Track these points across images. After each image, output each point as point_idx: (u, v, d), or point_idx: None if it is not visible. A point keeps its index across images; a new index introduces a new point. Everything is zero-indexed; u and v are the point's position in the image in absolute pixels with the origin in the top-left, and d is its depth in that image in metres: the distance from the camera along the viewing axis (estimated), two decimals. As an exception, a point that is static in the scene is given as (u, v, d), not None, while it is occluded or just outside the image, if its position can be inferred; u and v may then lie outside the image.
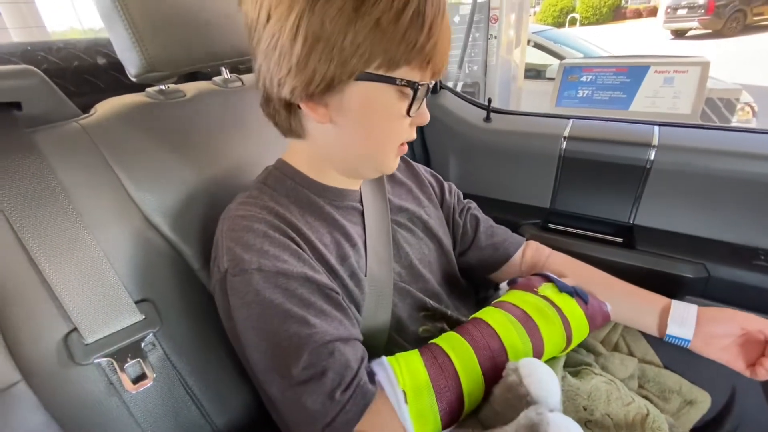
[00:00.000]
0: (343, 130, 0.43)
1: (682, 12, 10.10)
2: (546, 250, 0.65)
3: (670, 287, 0.61)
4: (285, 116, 0.44)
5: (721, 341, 0.51)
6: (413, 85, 0.39)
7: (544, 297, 0.49)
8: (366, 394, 0.38)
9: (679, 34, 10.72)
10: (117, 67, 0.66)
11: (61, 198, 0.41)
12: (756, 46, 7.85)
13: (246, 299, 0.39)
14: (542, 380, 0.35)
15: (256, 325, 0.38)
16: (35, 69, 0.44)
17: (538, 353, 0.45)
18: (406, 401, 0.37)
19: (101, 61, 0.64)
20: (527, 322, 0.46)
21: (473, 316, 0.48)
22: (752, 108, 2.48)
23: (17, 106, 0.42)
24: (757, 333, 0.49)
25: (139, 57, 0.47)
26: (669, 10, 10.46)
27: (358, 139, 0.44)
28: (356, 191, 0.52)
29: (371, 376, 0.40)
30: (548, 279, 0.52)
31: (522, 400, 0.35)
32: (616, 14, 18.47)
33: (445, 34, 0.39)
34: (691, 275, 0.68)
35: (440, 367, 0.41)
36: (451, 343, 0.43)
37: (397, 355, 0.42)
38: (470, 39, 2.27)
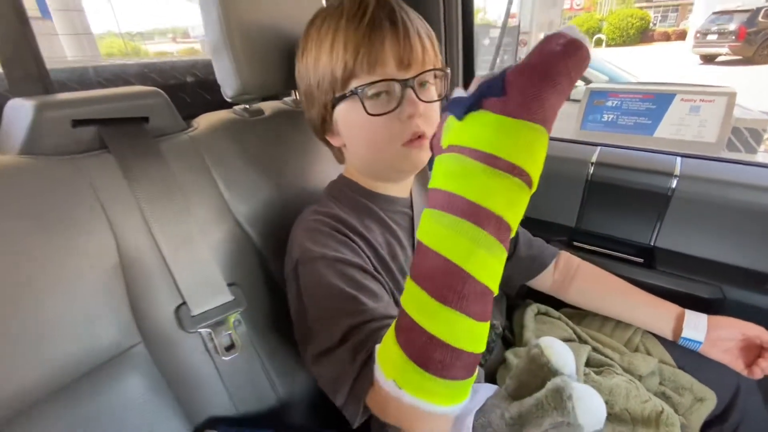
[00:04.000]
0: (351, 147, 0.54)
1: (712, 37, 9.99)
2: (575, 260, 0.72)
3: (688, 307, 0.66)
4: (331, 148, 0.58)
5: (725, 344, 0.59)
6: (354, 91, 0.47)
7: (448, 148, 0.30)
8: None
9: (708, 59, 10.60)
10: (203, 85, 0.77)
11: (178, 195, 0.50)
12: (788, 75, 7.70)
13: (312, 280, 0.46)
14: (560, 352, 0.42)
15: (319, 301, 0.46)
16: (160, 90, 0.54)
17: (475, 210, 0.28)
18: (399, 387, 0.33)
19: (190, 79, 0.75)
20: (456, 207, 0.29)
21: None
22: (781, 138, 2.48)
23: (146, 119, 0.52)
24: (755, 338, 0.58)
25: (236, 83, 0.57)
26: (698, 35, 10.36)
27: (361, 148, 0.53)
28: (406, 198, 0.60)
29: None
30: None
31: (543, 368, 0.42)
32: (644, 36, 18.37)
33: (365, 37, 0.45)
34: (708, 296, 0.74)
35: (406, 333, 0.33)
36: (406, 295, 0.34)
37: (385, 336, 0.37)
38: (499, 61, 2.35)
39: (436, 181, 0.31)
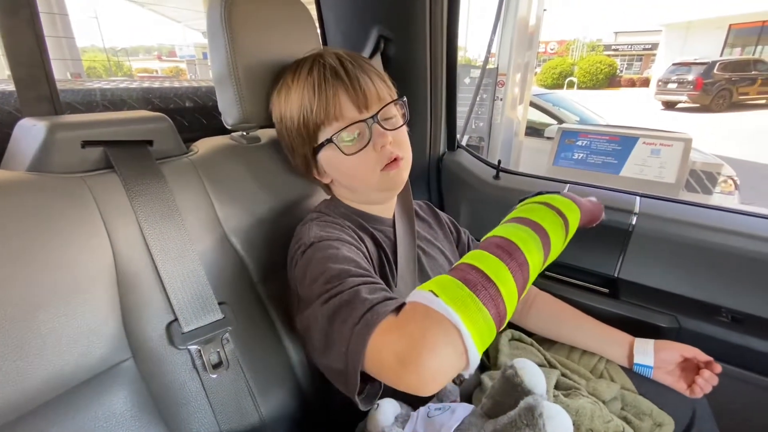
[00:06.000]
0: (337, 181, 0.61)
1: (672, 86, 10.82)
2: (534, 289, 0.80)
3: (647, 334, 0.72)
4: (319, 183, 0.65)
5: (667, 367, 0.65)
6: (329, 140, 0.55)
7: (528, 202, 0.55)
8: (398, 301, 0.41)
9: (669, 105, 11.41)
10: (201, 111, 0.80)
11: (177, 217, 0.53)
12: (740, 123, 8.41)
13: (329, 252, 0.48)
14: (532, 372, 0.46)
15: (335, 265, 0.46)
16: (165, 116, 0.57)
17: (538, 229, 0.47)
18: (436, 295, 0.37)
19: (189, 104, 0.78)
20: (520, 220, 0.49)
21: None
22: (734, 181, 2.68)
23: (150, 143, 0.55)
24: (692, 359, 0.64)
25: (238, 112, 0.61)
26: (660, 83, 11.20)
27: (345, 182, 0.60)
28: (390, 219, 0.66)
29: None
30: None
31: (517, 388, 0.45)
32: (611, 81, 19.69)
33: (315, 93, 0.54)
34: (665, 325, 0.80)
35: (458, 269, 0.41)
36: (473, 256, 0.43)
37: None
38: (478, 99, 2.49)
39: (514, 213, 0.52)
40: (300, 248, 0.52)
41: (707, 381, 0.62)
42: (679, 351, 0.65)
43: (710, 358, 0.64)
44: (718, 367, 0.63)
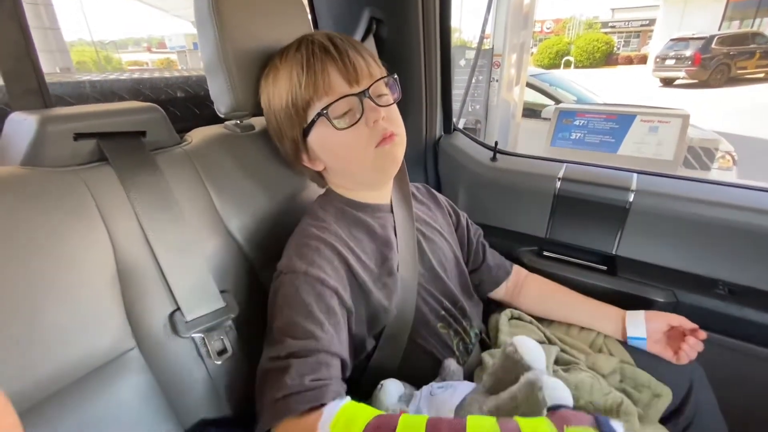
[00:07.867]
0: (331, 165, 0.59)
1: (670, 62, 10.71)
2: (523, 272, 0.81)
3: (645, 309, 0.73)
4: (310, 174, 0.64)
5: (655, 336, 0.67)
6: (321, 114, 0.53)
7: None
8: (315, 398, 0.43)
9: (667, 82, 11.30)
10: (192, 100, 0.79)
11: (174, 207, 0.53)
12: (738, 97, 8.34)
13: (290, 291, 0.50)
14: (532, 349, 0.47)
15: (289, 312, 0.49)
16: (157, 106, 0.57)
17: None
18: None
19: (180, 94, 0.77)
20: None
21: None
22: (732, 156, 2.68)
23: (143, 133, 0.55)
24: (679, 327, 0.66)
25: (230, 100, 0.60)
26: (658, 60, 11.08)
27: (340, 164, 0.59)
28: (388, 204, 0.65)
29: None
30: (596, 421, 0.35)
31: (517, 364, 0.46)
32: (609, 60, 19.45)
33: (304, 68, 0.53)
34: (663, 300, 0.81)
35: (379, 424, 0.39)
36: (408, 419, 0.40)
37: (359, 405, 0.43)
38: (474, 81, 2.47)
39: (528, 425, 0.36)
40: (276, 272, 0.54)
41: (692, 347, 0.64)
42: (665, 320, 0.67)
43: (695, 326, 0.66)
44: (703, 334, 0.64)
